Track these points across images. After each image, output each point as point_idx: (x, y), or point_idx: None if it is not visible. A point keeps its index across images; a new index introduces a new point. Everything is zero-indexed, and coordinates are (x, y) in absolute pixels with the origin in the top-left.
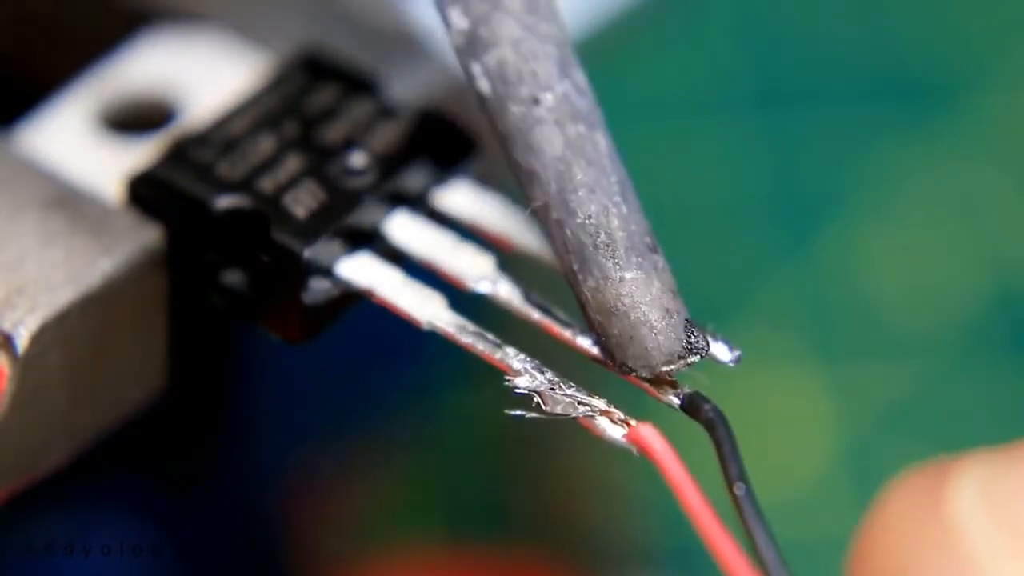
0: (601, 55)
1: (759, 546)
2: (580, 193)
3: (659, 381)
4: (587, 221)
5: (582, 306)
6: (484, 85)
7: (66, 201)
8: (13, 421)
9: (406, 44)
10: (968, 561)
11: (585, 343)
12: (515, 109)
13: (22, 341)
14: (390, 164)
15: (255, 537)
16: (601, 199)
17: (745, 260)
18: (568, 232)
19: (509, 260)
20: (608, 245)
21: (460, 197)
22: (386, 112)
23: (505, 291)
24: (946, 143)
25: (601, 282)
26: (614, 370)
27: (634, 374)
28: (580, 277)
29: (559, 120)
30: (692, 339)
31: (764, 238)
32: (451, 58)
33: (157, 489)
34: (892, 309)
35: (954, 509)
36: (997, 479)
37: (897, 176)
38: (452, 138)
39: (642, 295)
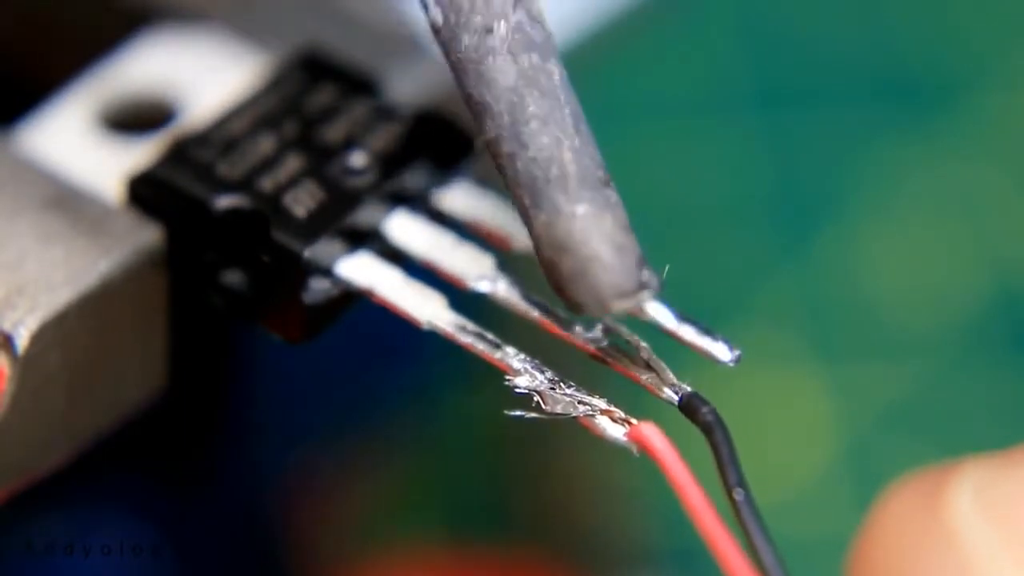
0: (601, 55)
1: (758, 550)
2: (532, 125)
3: (650, 370)
4: (540, 154)
5: (535, 242)
6: (436, 14)
7: (66, 201)
8: (13, 421)
9: (406, 44)
10: (966, 564)
11: (585, 340)
12: (467, 39)
13: (22, 341)
14: (390, 164)
15: (255, 537)
16: (554, 131)
17: (745, 260)
18: (520, 164)
19: (509, 259)
20: (560, 178)
21: (460, 197)
22: (386, 112)
23: (504, 290)
24: (946, 143)
25: (553, 216)
26: (568, 309)
27: (586, 310)
28: (532, 212)
29: (512, 50)
30: (644, 277)
31: (764, 238)
32: None
33: (157, 489)
34: (892, 309)
35: (953, 512)
36: (996, 483)
37: (897, 176)
38: (452, 138)
39: (594, 230)
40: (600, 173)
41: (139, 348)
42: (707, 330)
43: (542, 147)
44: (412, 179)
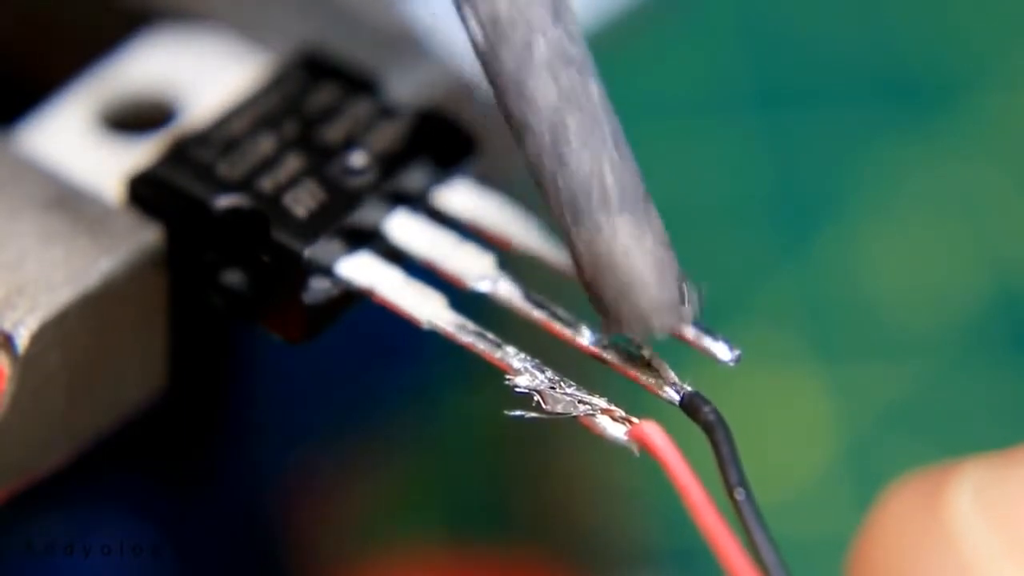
0: (601, 55)
1: (760, 550)
2: (573, 144)
3: (651, 368)
4: (580, 172)
5: (576, 262)
6: (476, 31)
7: (66, 201)
8: (13, 421)
9: (406, 44)
10: (966, 564)
11: (586, 341)
12: (506, 55)
13: (22, 341)
14: (390, 164)
15: (255, 537)
16: (595, 149)
17: (745, 260)
18: (561, 183)
19: (509, 259)
20: (601, 196)
21: (460, 197)
22: (386, 112)
23: (505, 290)
24: (946, 143)
25: (595, 234)
26: (610, 330)
27: (628, 329)
28: (574, 230)
29: (552, 67)
30: (685, 292)
31: (764, 238)
32: (451, 58)
33: (157, 489)
34: (892, 309)
35: (953, 513)
36: (996, 483)
37: (897, 176)
38: (452, 138)
39: (636, 246)
40: (640, 189)
41: (139, 348)
42: (707, 330)
43: (583, 165)
44: (412, 179)
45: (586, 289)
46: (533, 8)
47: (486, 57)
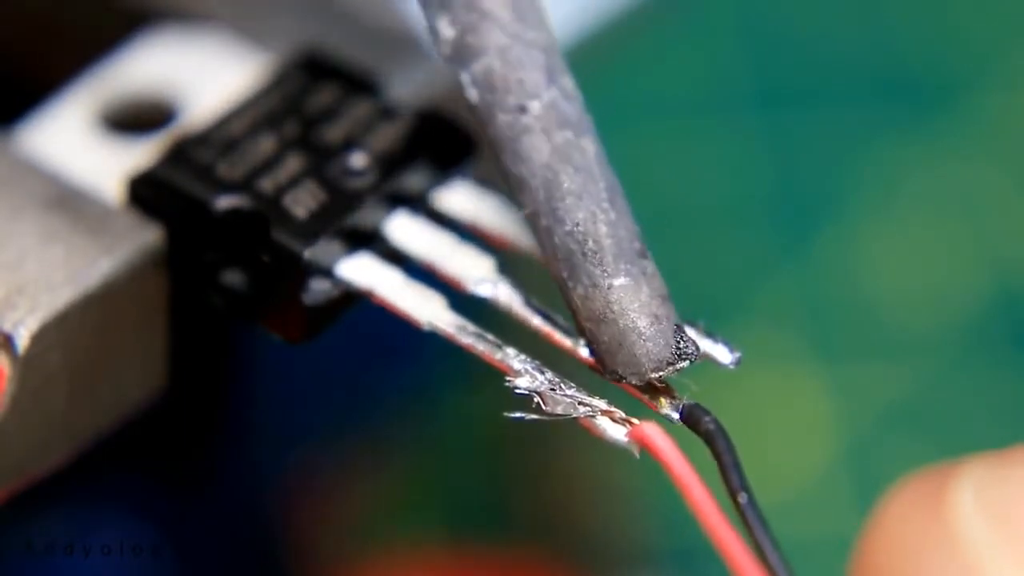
0: (601, 55)
1: (764, 551)
2: (568, 201)
3: (654, 389)
4: (575, 228)
5: (573, 313)
6: (472, 94)
7: (66, 201)
8: (13, 421)
9: (406, 44)
10: (968, 564)
11: (583, 350)
12: (502, 117)
13: (22, 341)
14: (390, 164)
15: (255, 537)
16: (589, 206)
17: (745, 260)
18: (557, 239)
19: (509, 261)
20: (596, 252)
21: (460, 198)
22: (386, 112)
23: (505, 295)
24: (946, 143)
25: (590, 289)
26: (605, 377)
27: (625, 381)
28: (570, 284)
29: (546, 128)
30: (682, 345)
31: (764, 238)
32: None
33: (157, 489)
34: (892, 309)
35: (955, 513)
36: (997, 483)
37: (897, 176)
38: (452, 138)
39: (631, 302)
40: (636, 244)
41: (139, 348)
42: (707, 332)
43: (578, 222)
44: (412, 180)
45: (582, 336)
46: (527, 72)
47: (482, 118)
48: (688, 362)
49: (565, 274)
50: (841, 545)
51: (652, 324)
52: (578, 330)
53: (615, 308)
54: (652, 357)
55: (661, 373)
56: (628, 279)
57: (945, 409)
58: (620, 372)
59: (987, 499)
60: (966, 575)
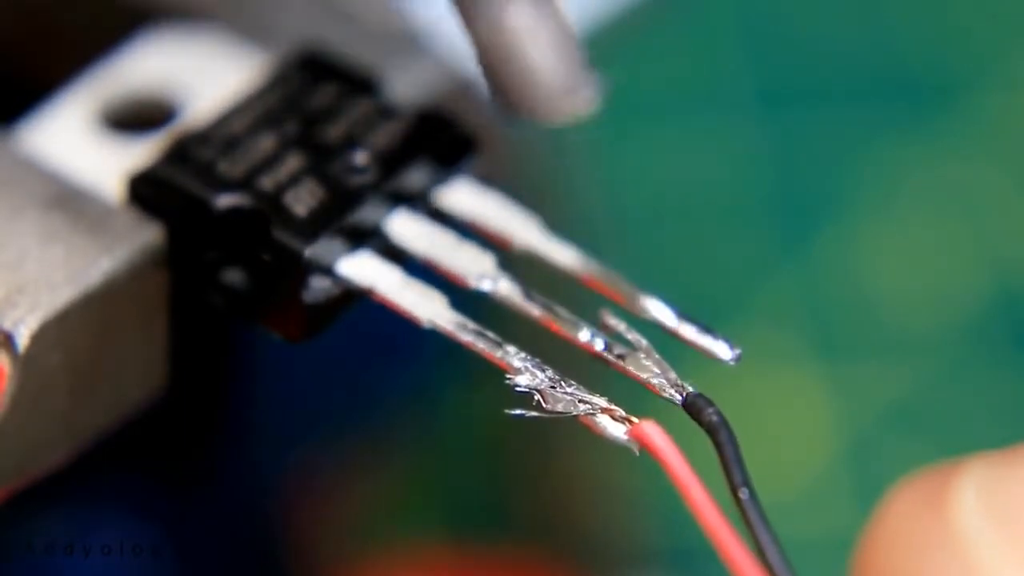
0: (601, 55)
1: (764, 550)
2: None
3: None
4: None
5: (475, 48)
6: None
7: (66, 200)
8: (13, 421)
9: (406, 44)
10: (970, 564)
11: (587, 339)
12: None
13: (23, 340)
14: (390, 163)
15: (255, 537)
16: None
17: (745, 260)
18: None
19: (510, 258)
20: None
21: (460, 196)
22: (386, 111)
23: (506, 289)
24: (946, 143)
25: (494, 21)
26: (507, 114)
27: (528, 118)
28: (472, 15)
29: None
30: (582, 69)
31: (764, 238)
32: (451, 58)
33: (157, 489)
34: (892, 309)
35: (956, 512)
36: (999, 482)
37: (897, 176)
38: (452, 137)
39: (536, 33)
40: None
41: (140, 348)
42: (707, 329)
43: None
44: (413, 178)
45: (485, 75)
46: None
47: None
48: (590, 87)
49: (468, 4)
50: (841, 545)
51: (557, 54)
52: (479, 66)
53: (519, 39)
54: (556, 86)
55: (565, 104)
56: (533, 8)
57: (945, 409)
58: (523, 103)
59: (989, 499)
60: (968, 575)
